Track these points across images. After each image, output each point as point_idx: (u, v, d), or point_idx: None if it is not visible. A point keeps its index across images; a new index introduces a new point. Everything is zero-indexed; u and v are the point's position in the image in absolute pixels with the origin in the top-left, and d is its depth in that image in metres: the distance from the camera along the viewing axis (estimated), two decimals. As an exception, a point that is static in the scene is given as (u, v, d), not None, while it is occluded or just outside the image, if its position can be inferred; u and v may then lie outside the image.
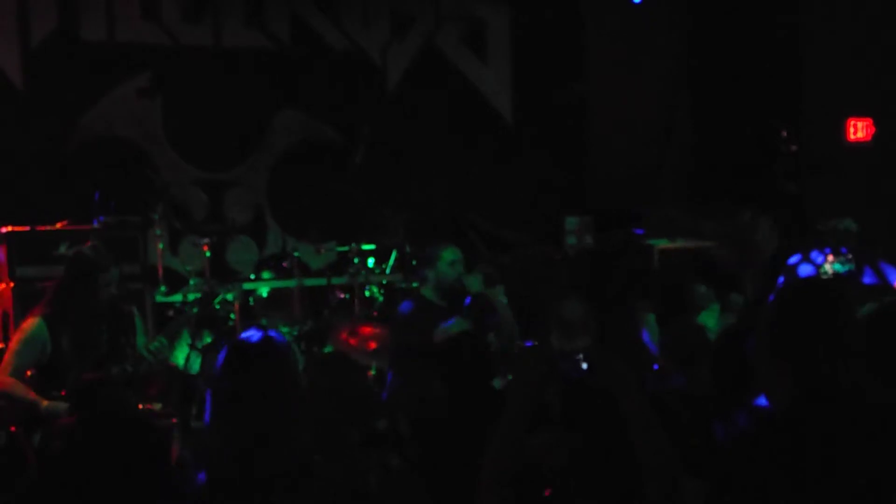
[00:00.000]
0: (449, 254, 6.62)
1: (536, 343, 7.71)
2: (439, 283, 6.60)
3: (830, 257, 6.45)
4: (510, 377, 6.16)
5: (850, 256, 6.43)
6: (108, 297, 5.72)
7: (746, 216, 6.38)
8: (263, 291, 8.69)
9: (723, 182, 10.15)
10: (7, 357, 5.66)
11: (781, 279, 6.43)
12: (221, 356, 3.07)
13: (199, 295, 6.13)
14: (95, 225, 7.85)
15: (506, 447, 3.18)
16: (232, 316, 8.16)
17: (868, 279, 6.62)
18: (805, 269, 6.37)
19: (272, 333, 3.15)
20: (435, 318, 6.41)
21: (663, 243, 8.77)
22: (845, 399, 2.89)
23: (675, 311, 6.05)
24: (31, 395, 5.49)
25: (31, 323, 5.64)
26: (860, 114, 10.26)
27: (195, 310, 6.12)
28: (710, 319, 6.07)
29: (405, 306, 6.70)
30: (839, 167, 10.04)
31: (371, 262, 8.74)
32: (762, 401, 4.30)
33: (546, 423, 3.24)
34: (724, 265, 6.33)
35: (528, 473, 3.24)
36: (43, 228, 7.68)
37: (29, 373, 5.63)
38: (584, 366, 3.22)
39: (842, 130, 10.26)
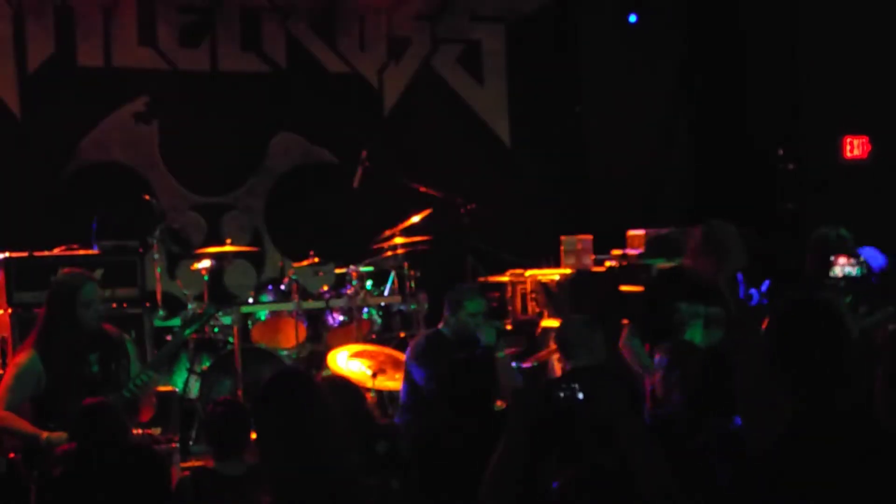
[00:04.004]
0: (473, 305, 6.72)
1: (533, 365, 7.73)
2: (458, 329, 6.68)
3: (842, 259, 6.44)
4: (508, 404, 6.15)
5: (861, 260, 6.42)
6: (97, 315, 5.65)
7: (705, 226, 6.44)
8: (262, 315, 8.68)
9: (721, 201, 10.15)
10: (1, 391, 5.62)
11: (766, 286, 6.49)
12: (272, 384, 3.18)
13: (188, 316, 6.07)
14: (93, 250, 7.84)
15: (504, 475, 3.16)
16: (230, 339, 8.16)
17: (876, 280, 6.63)
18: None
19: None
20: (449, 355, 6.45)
21: (661, 262, 8.77)
22: (848, 418, 2.89)
23: (661, 332, 6.05)
24: (29, 428, 5.45)
25: (24, 356, 5.60)
26: (856, 132, 10.28)
27: (187, 332, 6.05)
28: (695, 335, 6.08)
29: (421, 343, 6.74)
30: (836, 185, 10.06)
31: (369, 284, 8.74)
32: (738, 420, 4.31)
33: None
34: (698, 278, 6.35)
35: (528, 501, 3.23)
36: (41, 254, 7.67)
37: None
38: (581, 395, 3.20)
39: (838, 148, 10.29)
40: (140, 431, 5.70)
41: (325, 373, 7.62)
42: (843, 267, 6.42)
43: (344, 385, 5.83)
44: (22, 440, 5.44)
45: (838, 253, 6.58)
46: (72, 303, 5.57)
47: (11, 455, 5.54)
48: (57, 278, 5.84)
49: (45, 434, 5.39)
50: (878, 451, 2.84)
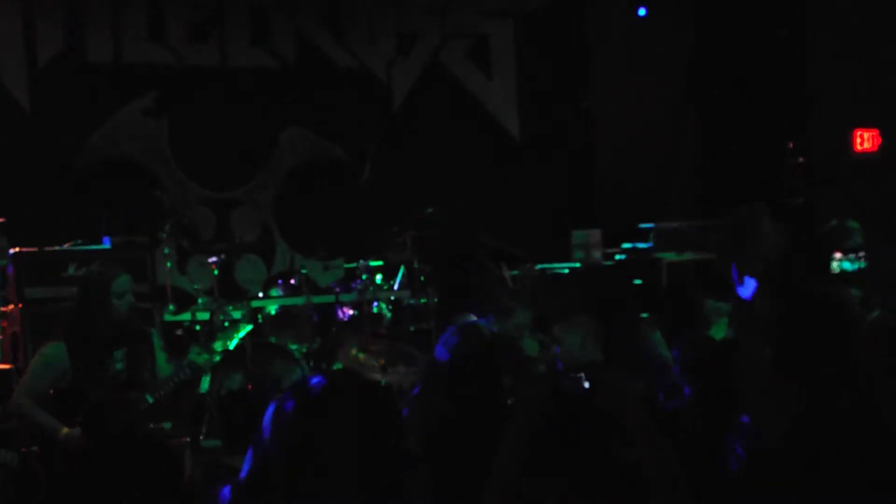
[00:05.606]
0: (522, 317, 6.60)
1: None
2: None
3: (838, 253, 6.37)
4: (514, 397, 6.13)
5: (861, 255, 6.35)
6: (127, 305, 5.69)
7: (743, 211, 6.33)
8: (272, 309, 8.69)
9: (730, 194, 10.13)
10: (24, 378, 5.65)
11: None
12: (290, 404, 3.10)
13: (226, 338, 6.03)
14: (104, 245, 7.86)
15: (508, 467, 3.16)
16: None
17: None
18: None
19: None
20: None
21: (671, 257, 8.76)
22: (851, 416, 2.87)
23: (685, 326, 6.02)
24: (49, 419, 5.45)
25: (51, 346, 5.62)
26: (867, 124, 10.26)
27: (217, 346, 5.96)
28: (719, 333, 6.04)
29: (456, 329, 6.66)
30: (846, 178, 10.04)
31: (379, 278, 8.74)
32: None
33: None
34: (726, 274, 6.30)
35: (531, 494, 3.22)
36: (51, 249, 7.68)
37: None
38: (586, 384, 3.20)
39: (848, 141, 10.27)
40: (151, 426, 5.71)
41: (335, 366, 7.63)
42: (839, 260, 6.36)
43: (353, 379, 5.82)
44: (41, 430, 5.44)
45: (837, 245, 6.49)
46: (106, 292, 5.60)
47: (24, 450, 5.55)
48: (91, 269, 5.85)
49: (65, 429, 5.38)
50: (880, 450, 2.83)
